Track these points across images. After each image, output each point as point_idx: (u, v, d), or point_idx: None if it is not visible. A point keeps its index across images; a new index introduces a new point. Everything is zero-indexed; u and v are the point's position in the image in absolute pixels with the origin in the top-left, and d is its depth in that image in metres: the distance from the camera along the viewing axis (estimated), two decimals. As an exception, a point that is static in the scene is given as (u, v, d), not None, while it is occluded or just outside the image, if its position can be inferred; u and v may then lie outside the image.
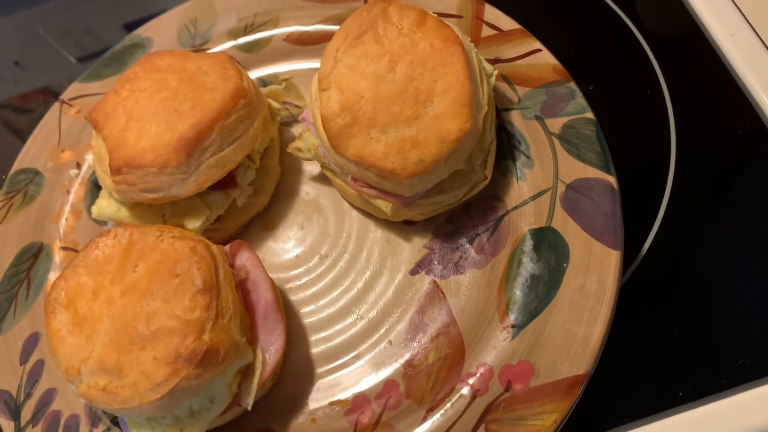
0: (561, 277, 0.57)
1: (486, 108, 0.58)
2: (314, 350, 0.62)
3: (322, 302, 0.64)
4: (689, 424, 0.57)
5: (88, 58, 1.02)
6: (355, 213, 0.68)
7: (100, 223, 0.72)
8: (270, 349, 0.57)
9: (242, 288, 0.58)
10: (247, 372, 0.55)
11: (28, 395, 0.62)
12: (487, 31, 0.70)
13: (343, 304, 0.63)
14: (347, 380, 0.59)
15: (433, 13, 0.63)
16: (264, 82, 0.77)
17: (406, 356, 0.59)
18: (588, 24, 0.83)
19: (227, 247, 0.60)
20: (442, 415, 0.55)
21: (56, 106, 0.79)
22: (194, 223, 0.63)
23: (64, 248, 0.70)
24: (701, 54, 0.76)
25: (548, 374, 0.53)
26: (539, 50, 0.67)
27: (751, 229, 0.65)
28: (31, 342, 0.65)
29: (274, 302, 0.58)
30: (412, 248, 0.64)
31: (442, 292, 0.61)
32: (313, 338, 0.62)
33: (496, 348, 0.56)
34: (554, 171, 0.61)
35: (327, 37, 0.75)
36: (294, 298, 0.65)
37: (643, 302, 0.63)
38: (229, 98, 0.61)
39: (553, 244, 0.58)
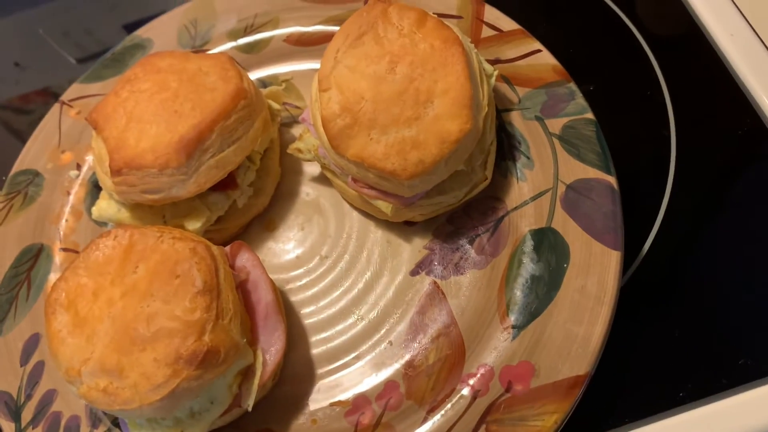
0: (561, 277, 0.57)
1: (486, 109, 0.58)
2: (315, 351, 0.62)
3: (322, 303, 0.64)
4: (689, 424, 0.57)
5: (88, 59, 1.02)
6: (355, 214, 0.68)
7: (101, 224, 0.72)
8: (270, 350, 0.57)
9: (242, 289, 0.58)
10: (247, 373, 0.55)
11: (29, 396, 0.62)
12: (487, 32, 0.70)
13: (344, 305, 0.63)
14: (348, 381, 0.59)
15: (433, 13, 0.63)
16: (264, 83, 0.77)
17: (407, 357, 0.59)
18: (588, 24, 0.83)
19: (227, 248, 0.60)
20: (442, 415, 0.55)
21: (56, 107, 0.79)
22: (194, 224, 0.63)
23: (65, 249, 0.70)
24: (701, 54, 0.76)
25: (549, 375, 0.53)
26: (539, 51, 0.67)
27: (751, 229, 0.65)
28: (32, 343, 0.65)
29: (275, 303, 0.58)
30: (413, 249, 0.64)
31: (443, 293, 0.61)
32: (313, 339, 0.62)
33: (496, 349, 0.56)
34: (554, 171, 0.61)
35: (327, 37, 0.75)
36: (294, 298, 0.65)
37: (644, 302, 0.63)
38: (230, 99, 0.61)
39: (553, 245, 0.58)
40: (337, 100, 0.57)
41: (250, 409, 0.55)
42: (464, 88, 0.55)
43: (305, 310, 0.64)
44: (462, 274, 0.61)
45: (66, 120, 0.78)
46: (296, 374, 0.61)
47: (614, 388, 0.59)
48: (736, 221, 0.66)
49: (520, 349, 0.55)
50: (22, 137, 0.96)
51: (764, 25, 0.74)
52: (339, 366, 0.60)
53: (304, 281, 0.65)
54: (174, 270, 0.53)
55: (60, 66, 1.03)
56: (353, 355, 0.60)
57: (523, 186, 0.63)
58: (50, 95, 1.00)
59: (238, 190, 0.66)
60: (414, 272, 0.63)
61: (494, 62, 0.68)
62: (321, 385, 0.60)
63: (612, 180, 0.59)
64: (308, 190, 0.71)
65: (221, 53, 0.67)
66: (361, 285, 0.64)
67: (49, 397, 0.62)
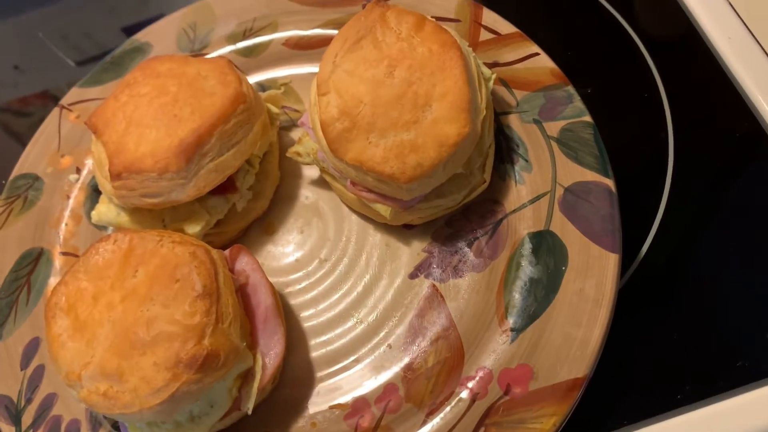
0: (560, 280, 0.57)
1: (484, 112, 0.58)
2: (314, 354, 0.62)
3: (321, 306, 0.64)
4: (688, 426, 0.57)
5: (87, 61, 1.02)
6: (354, 217, 0.68)
7: (100, 228, 0.72)
8: (270, 354, 0.57)
9: (242, 292, 0.59)
10: (247, 376, 0.56)
11: (29, 400, 0.62)
12: (485, 35, 0.70)
13: (343, 308, 0.63)
14: (347, 384, 0.59)
15: (432, 17, 0.63)
16: (263, 86, 0.77)
17: (406, 360, 0.59)
18: (586, 27, 0.83)
19: (227, 252, 0.60)
20: (441, 418, 0.55)
21: (56, 111, 0.79)
22: (194, 228, 0.63)
23: (64, 253, 0.71)
24: (699, 57, 0.76)
25: (547, 377, 0.53)
26: (537, 54, 0.67)
27: (749, 231, 0.66)
28: (32, 347, 0.65)
29: (274, 306, 0.58)
30: (411, 252, 0.64)
31: (441, 296, 0.61)
32: (312, 342, 0.62)
33: (495, 351, 0.56)
34: (552, 174, 0.62)
35: (326, 41, 0.75)
36: (294, 302, 0.65)
37: (642, 305, 0.63)
38: (229, 103, 0.61)
39: (551, 248, 0.59)
40: (336, 104, 0.57)
41: (249, 412, 0.55)
42: (462, 92, 0.56)
43: (304, 314, 0.64)
44: (461, 277, 0.62)
45: (65, 124, 0.78)
46: (296, 377, 0.61)
47: (612, 390, 0.59)
48: (734, 223, 0.66)
49: (519, 352, 0.55)
50: (21, 140, 0.96)
51: (761, 28, 0.75)
52: (338, 369, 0.60)
53: (303, 284, 0.66)
54: (174, 274, 0.53)
55: (59, 69, 1.03)
56: (352, 358, 0.61)
57: (521, 189, 0.63)
58: (49, 98, 1.00)
59: (238, 193, 0.66)
60: (413, 275, 0.63)
61: (492, 65, 0.68)
62: (320, 388, 0.60)
63: (610, 183, 0.59)
64: (307, 194, 0.71)
65: (220, 57, 0.68)
66: (360, 288, 0.64)
67: (49, 401, 0.62)
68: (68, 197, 0.74)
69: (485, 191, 0.63)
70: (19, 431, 0.61)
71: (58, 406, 0.61)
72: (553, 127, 0.63)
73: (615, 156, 0.61)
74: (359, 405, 0.58)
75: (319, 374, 0.61)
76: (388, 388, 0.58)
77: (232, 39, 0.80)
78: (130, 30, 1.01)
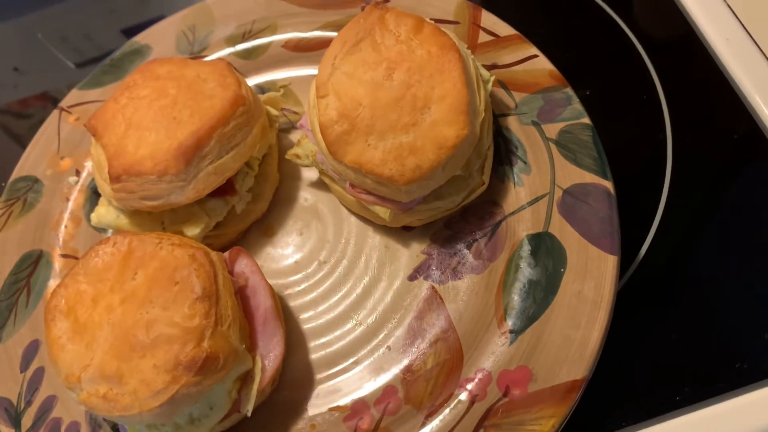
0: (558, 282, 0.57)
1: (483, 114, 0.59)
2: (313, 356, 0.62)
3: (321, 308, 0.64)
4: (687, 427, 0.57)
5: (86, 63, 1.02)
6: (353, 219, 0.68)
7: (100, 230, 0.72)
8: (269, 356, 0.57)
9: (241, 295, 0.59)
10: (246, 378, 0.56)
11: (29, 403, 0.62)
12: (484, 37, 0.70)
13: (342, 310, 0.63)
14: (346, 386, 0.59)
15: (431, 19, 0.63)
16: (262, 88, 0.77)
17: (405, 362, 0.59)
18: (585, 29, 0.83)
19: (226, 254, 0.60)
20: (440, 420, 0.55)
21: (55, 113, 0.79)
22: (193, 230, 0.63)
23: (64, 255, 0.71)
24: (697, 58, 0.76)
25: (546, 379, 0.53)
26: (536, 56, 0.67)
27: (748, 232, 0.66)
28: (32, 349, 0.65)
29: (273, 309, 0.58)
30: (411, 254, 0.64)
31: (441, 298, 0.61)
32: (312, 344, 0.62)
33: (494, 353, 0.56)
34: (551, 176, 0.62)
35: (325, 43, 0.75)
36: (293, 304, 0.65)
37: (641, 306, 0.63)
38: (228, 106, 0.61)
39: (550, 250, 0.59)
40: (335, 107, 0.57)
41: (249, 414, 0.55)
42: (461, 94, 0.56)
43: (304, 315, 0.64)
44: (460, 278, 0.62)
45: (65, 126, 0.78)
46: (295, 379, 0.61)
47: (611, 391, 0.59)
48: (733, 225, 0.66)
49: (518, 354, 0.55)
50: (21, 141, 0.97)
51: (760, 30, 0.75)
52: (338, 371, 0.60)
53: (302, 286, 0.66)
54: (173, 276, 0.53)
55: (59, 70, 1.03)
56: (352, 360, 0.61)
57: (520, 191, 0.63)
58: (49, 99, 1.00)
59: (237, 195, 0.66)
60: (412, 277, 0.63)
61: (491, 67, 0.68)
62: (320, 390, 0.60)
63: (608, 184, 0.59)
64: (306, 196, 0.71)
65: (219, 60, 0.68)
66: (359, 290, 0.64)
67: (49, 404, 0.62)
68: (68, 199, 0.74)
69: (484, 193, 0.63)
70: (18, 433, 0.61)
71: (57, 409, 0.62)
72: (552, 129, 0.63)
73: (614, 157, 0.61)
74: (358, 407, 0.58)
75: (319, 376, 0.61)
76: (387, 389, 0.58)
77: (232, 41, 0.80)
78: (130, 32, 1.01)
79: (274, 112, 0.71)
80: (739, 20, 0.76)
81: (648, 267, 0.65)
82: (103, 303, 0.53)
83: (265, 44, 0.79)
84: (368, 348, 0.61)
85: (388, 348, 0.60)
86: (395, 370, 0.59)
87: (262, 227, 0.70)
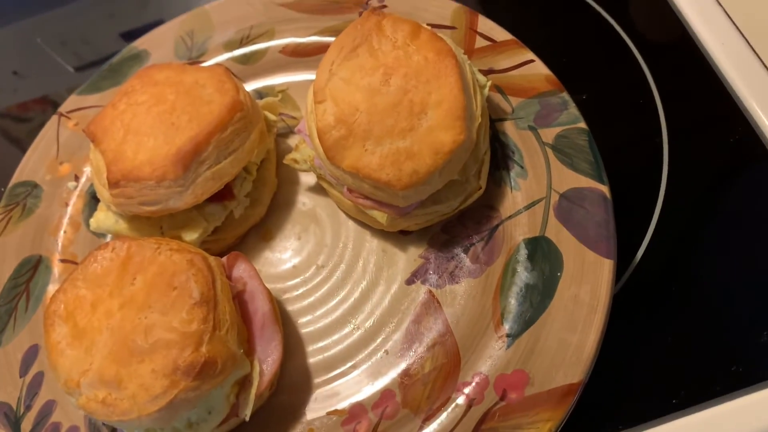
0: (555, 286, 0.57)
1: (479, 119, 0.59)
2: (311, 360, 0.62)
3: (318, 312, 0.64)
4: (683, 430, 0.57)
5: (85, 67, 1.03)
6: (351, 223, 0.68)
7: (99, 235, 0.72)
8: (267, 360, 0.57)
9: (239, 299, 0.59)
10: (244, 383, 0.56)
11: (28, 407, 0.63)
12: (480, 42, 0.70)
13: (340, 314, 0.64)
14: (344, 390, 0.60)
15: (428, 24, 0.64)
16: (260, 93, 0.77)
17: (403, 366, 0.59)
18: (581, 34, 0.83)
19: (224, 259, 0.60)
20: (438, 424, 0.55)
21: (54, 118, 0.79)
22: (192, 235, 0.64)
23: (63, 260, 0.71)
24: (693, 62, 0.77)
25: (543, 383, 0.54)
26: (532, 61, 0.67)
27: (743, 236, 0.66)
28: (31, 354, 0.65)
29: (271, 313, 0.59)
30: (408, 258, 0.65)
31: (438, 302, 0.61)
32: (310, 348, 0.63)
33: (491, 357, 0.57)
34: (548, 181, 0.62)
35: (322, 48, 0.75)
36: (291, 308, 0.65)
37: (637, 310, 0.63)
38: (226, 111, 0.62)
39: (547, 254, 0.59)
40: (332, 112, 0.57)
41: (247, 418, 0.55)
42: (457, 100, 0.56)
43: (302, 320, 0.64)
44: (457, 282, 0.62)
45: (64, 132, 0.78)
46: (293, 383, 0.61)
47: (608, 395, 0.60)
48: (729, 229, 0.67)
49: (515, 358, 0.56)
50: (20, 145, 0.97)
51: (755, 35, 0.75)
52: (335, 375, 0.61)
53: (300, 291, 0.66)
54: (171, 282, 0.53)
55: (58, 74, 1.03)
56: (350, 364, 0.61)
57: (516, 195, 0.63)
58: (48, 103, 1.01)
59: (235, 200, 0.66)
60: (409, 281, 0.64)
61: (488, 72, 0.68)
62: (318, 394, 0.60)
63: (605, 189, 0.59)
64: (305, 200, 0.71)
65: (218, 65, 0.68)
66: (357, 294, 0.64)
67: (48, 408, 0.62)
68: (67, 205, 0.74)
69: (481, 197, 0.64)
70: (18, 438, 0.61)
71: (57, 413, 0.62)
72: (548, 134, 0.64)
73: (610, 161, 0.61)
74: (356, 411, 0.58)
75: (317, 380, 0.61)
76: (385, 393, 0.58)
77: (230, 46, 0.80)
78: (129, 36, 1.02)
79: (272, 117, 0.71)
80: (734, 24, 0.77)
81: (644, 271, 0.65)
82: (102, 308, 0.53)
83: (263, 49, 0.79)
84: (366, 352, 0.61)
85: (386, 352, 0.61)
86: (393, 374, 0.59)
87: (260, 232, 0.70)
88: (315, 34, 0.78)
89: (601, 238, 0.57)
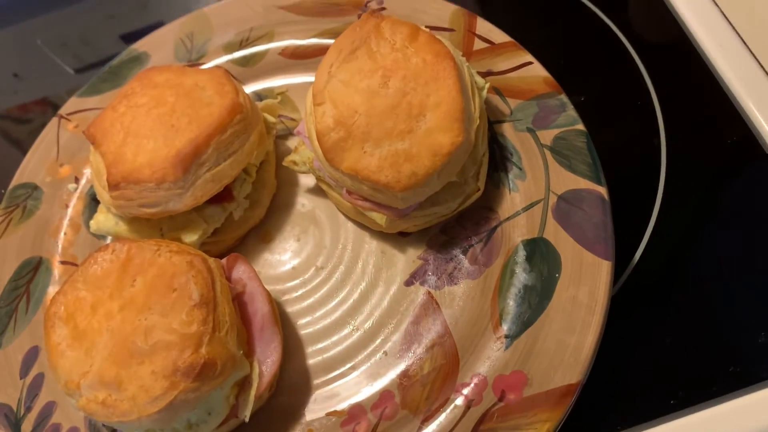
0: (553, 287, 0.57)
1: (478, 121, 0.59)
2: (311, 361, 0.62)
3: (318, 314, 0.65)
4: (681, 431, 0.57)
5: (85, 69, 1.03)
6: (350, 225, 0.69)
7: (99, 237, 0.72)
8: (267, 362, 0.57)
9: (239, 301, 0.59)
10: (244, 384, 0.56)
11: (29, 408, 0.63)
12: (479, 44, 0.71)
13: (339, 316, 0.64)
14: (343, 391, 0.60)
15: (426, 26, 0.64)
16: (260, 95, 0.78)
17: (402, 367, 0.60)
18: (579, 36, 0.84)
19: (224, 261, 0.61)
20: (437, 425, 0.55)
21: (54, 121, 0.80)
22: (191, 237, 0.64)
23: (63, 262, 0.71)
24: (691, 64, 0.77)
25: (541, 384, 0.54)
26: (530, 63, 0.68)
27: (741, 237, 0.66)
28: (31, 356, 0.66)
29: (271, 315, 0.59)
30: (407, 259, 0.65)
31: (437, 303, 0.62)
32: (309, 349, 0.63)
33: (489, 358, 0.57)
34: (546, 182, 0.62)
35: (322, 50, 0.75)
36: (290, 309, 0.65)
37: (635, 311, 0.64)
38: (226, 114, 0.62)
39: (545, 255, 0.59)
40: (331, 114, 0.58)
41: (247, 419, 0.56)
42: (456, 102, 0.56)
43: (301, 321, 0.65)
44: (456, 284, 0.62)
45: (64, 134, 0.79)
46: (292, 385, 0.61)
47: (606, 396, 0.60)
48: (726, 229, 0.67)
49: (513, 359, 0.56)
50: (21, 146, 0.97)
51: (752, 36, 0.75)
52: (335, 376, 0.61)
53: (300, 292, 0.66)
54: (171, 283, 0.53)
55: (58, 76, 1.03)
56: (349, 365, 0.61)
57: (515, 197, 0.63)
58: (48, 105, 1.01)
59: (235, 202, 0.66)
60: (408, 282, 0.64)
61: (486, 74, 0.69)
62: (317, 395, 0.60)
63: (603, 190, 0.60)
64: (304, 202, 0.71)
65: (217, 68, 0.68)
66: (356, 295, 0.64)
67: (48, 409, 0.62)
68: (67, 206, 0.75)
69: (479, 199, 0.64)
70: (18, 439, 0.62)
71: (57, 415, 0.62)
72: (547, 136, 0.64)
73: (608, 163, 0.62)
74: (355, 412, 0.58)
75: (316, 381, 0.61)
76: (384, 394, 0.59)
77: (229, 49, 0.81)
78: (129, 37, 1.02)
79: (271, 119, 0.71)
80: (732, 26, 0.77)
81: (642, 272, 0.65)
82: (102, 310, 0.53)
83: (263, 52, 0.79)
84: (365, 353, 0.61)
85: (385, 353, 0.61)
86: (392, 375, 0.59)
87: (259, 233, 0.70)
88: (314, 36, 0.78)
89: (599, 240, 0.58)
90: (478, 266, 0.62)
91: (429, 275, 0.63)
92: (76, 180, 0.76)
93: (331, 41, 0.70)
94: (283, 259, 0.68)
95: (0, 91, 1.04)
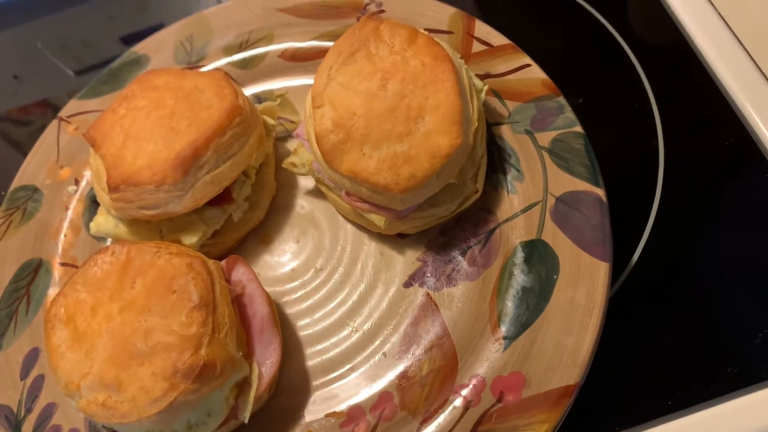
0: (551, 288, 0.58)
1: (476, 123, 0.59)
2: (310, 363, 0.62)
3: (317, 315, 0.65)
4: (679, 432, 0.58)
5: (85, 71, 1.03)
6: (349, 226, 0.69)
7: (99, 239, 0.73)
8: (266, 363, 0.58)
9: (238, 303, 0.59)
10: (243, 385, 0.56)
11: (29, 410, 0.63)
12: (477, 47, 0.71)
13: (338, 317, 0.64)
14: (343, 392, 0.60)
15: (425, 29, 0.64)
16: (259, 98, 0.78)
17: (401, 368, 0.60)
18: (577, 38, 0.84)
19: (223, 263, 0.61)
20: (435, 426, 0.55)
21: (54, 123, 0.80)
22: (191, 239, 0.64)
23: (64, 264, 0.71)
24: (689, 66, 0.77)
25: (539, 385, 0.54)
26: (529, 65, 0.68)
27: (739, 239, 0.66)
28: (31, 357, 0.66)
29: (270, 316, 0.59)
30: (406, 261, 0.65)
31: (435, 305, 0.62)
32: (308, 351, 0.63)
33: (488, 359, 0.57)
34: (544, 184, 0.62)
35: (321, 53, 0.75)
36: (290, 311, 0.66)
37: (633, 312, 0.64)
38: (225, 116, 0.62)
39: (543, 257, 0.59)
40: (330, 117, 0.58)
41: (246, 421, 0.56)
42: (454, 104, 0.56)
43: (300, 323, 0.65)
44: (454, 285, 0.62)
45: (64, 136, 0.79)
46: (292, 386, 0.61)
47: (604, 397, 0.60)
48: (724, 231, 0.67)
49: (512, 360, 0.56)
50: (21, 148, 0.97)
51: (751, 39, 0.76)
52: (334, 377, 0.61)
53: (299, 294, 0.66)
54: (171, 285, 0.54)
55: (58, 78, 1.04)
56: (348, 366, 0.61)
57: (513, 198, 0.64)
58: (49, 106, 1.01)
59: (234, 204, 0.67)
60: (407, 284, 0.64)
61: (485, 77, 0.69)
62: (316, 396, 0.61)
63: (600, 192, 0.60)
64: (303, 204, 0.72)
65: (217, 70, 0.68)
66: (355, 297, 0.65)
67: (48, 411, 0.63)
68: (67, 208, 0.75)
69: (478, 201, 0.64)
70: (19, 441, 0.62)
71: (57, 416, 0.62)
72: (545, 138, 0.64)
73: (606, 165, 0.62)
74: (354, 413, 0.59)
75: (315, 383, 0.61)
76: (383, 396, 0.59)
77: (229, 51, 0.81)
78: (129, 39, 1.02)
79: (270, 121, 0.71)
80: (730, 28, 0.77)
81: (640, 273, 0.66)
82: (102, 312, 0.54)
83: (262, 54, 0.80)
84: (364, 354, 0.61)
85: (384, 354, 0.61)
86: (391, 377, 0.60)
87: (259, 235, 0.71)
88: (314, 38, 0.78)
89: (596, 241, 0.58)
90: (477, 268, 0.62)
91: (428, 277, 0.64)
92: (76, 182, 0.76)
93: (331, 44, 0.70)
94: (282, 260, 0.69)
95: (0, 93, 1.05)
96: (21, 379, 0.65)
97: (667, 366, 0.61)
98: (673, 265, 0.66)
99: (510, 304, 0.59)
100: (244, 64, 0.80)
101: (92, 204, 0.75)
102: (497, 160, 0.66)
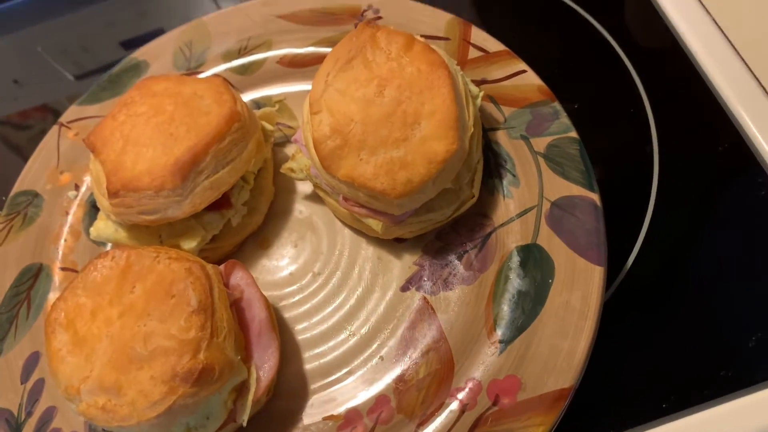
0: (546, 292, 0.58)
1: (472, 129, 0.60)
2: (308, 366, 0.63)
3: (315, 319, 0.65)
4: (674, 434, 0.58)
5: (85, 75, 1.04)
6: (347, 231, 0.69)
7: (99, 243, 0.73)
8: (264, 367, 0.58)
9: (237, 307, 0.60)
10: (242, 389, 0.57)
11: (29, 414, 0.63)
12: (473, 53, 0.72)
13: (336, 321, 0.64)
14: (340, 395, 0.61)
15: (422, 35, 0.65)
16: (258, 104, 0.79)
17: (398, 371, 0.60)
18: (573, 44, 0.84)
19: (222, 267, 0.61)
20: (432, 429, 0.56)
21: (55, 128, 0.80)
22: (190, 244, 0.64)
23: (64, 269, 0.72)
24: (683, 72, 0.78)
25: (535, 388, 0.54)
26: (524, 71, 0.69)
27: (733, 243, 0.67)
28: (32, 361, 0.66)
29: (268, 320, 0.60)
30: (403, 265, 0.66)
31: (432, 308, 0.62)
32: (306, 355, 0.64)
33: (484, 363, 0.58)
34: (539, 189, 0.63)
35: (319, 59, 0.76)
36: (288, 315, 0.66)
37: (628, 316, 0.64)
38: (224, 122, 0.63)
39: (538, 261, 0.60)
40: (328, 123, 0.59)
41: (245, 424, 0.56)
42: (450, 110, 0.57)
43: (298, 327, 0.65)
44: (451, 289, 0.63)
45: (64, 142, 0.79)
46: (290, 389, 0.62)
47: (599, 400, 0.60)
48: (719, 235, 0.68)
49: (507, 363, 0.57)
50: (21, 152, 0.98)
51: (745, 45, 0.76)
52: (332, 381, 0.61)
53: (297, 298, 0.67)
54: (170, 290, 0.54)
55: (58, 82, 1.04)
56: (345, 370, 0.62)
57: (509, 203, 0.64)
58: (49, 111, 1.02)
59: (233, 209, 0.67)
60: (404, 288, 0.65)
61: (481, 82, 0.70)
62: (314, 399, 0.61)
63: (595, 197, 0.60)
64: (301, 209, 0.72)
65: (215, 76, 0.69)
66: (352, 301, 0.65)
67: (49, 414, 0.63)
68: (67, 213, 0.75)
69: (474, 206, 0.65)
70: (19, 444, 0.62)
71: (57, 420, 0.63)
72: (540, 143, 0.65)
73: (601, 169, 0.63)
74: (352, 416, 0.59)
75: (313, 386, 0.62)
76: (380, 399, 0.59)
77: (228, 57, 0.81)
78: (129, 44, 1.03)
79: (269, 126, 0.72)
80: (724, 34, 0.78)
81: (635, 277, 0.66)
82: (102, 316, 0.54)
83: (261, 60, 0.80)
84: (362, 358, 0.62)
85: (381, 358, 0.61)
86: (388, 380, 0.60)
87: (257, 240, 0.71)
88: (312, 44, 0.79)
89: (591, 246, 0.58)
90: (473, 272, 0.63)
91: (425, 281, 0.64)
92: (76, 187, 0.77)
93: (328, 50, 0.71)
94: (280, 265, 0.69)
95: (0, 98, 1.05)
96: (21, 383, 0.65)
97: (662, 369, 0.61)
98: (667, 269, 0.67)
99: (506, 308, 0.59)
100: (242, 70, 0.81)
101: (92, 209, 0.75)
102: (493, 165, 0.67)
